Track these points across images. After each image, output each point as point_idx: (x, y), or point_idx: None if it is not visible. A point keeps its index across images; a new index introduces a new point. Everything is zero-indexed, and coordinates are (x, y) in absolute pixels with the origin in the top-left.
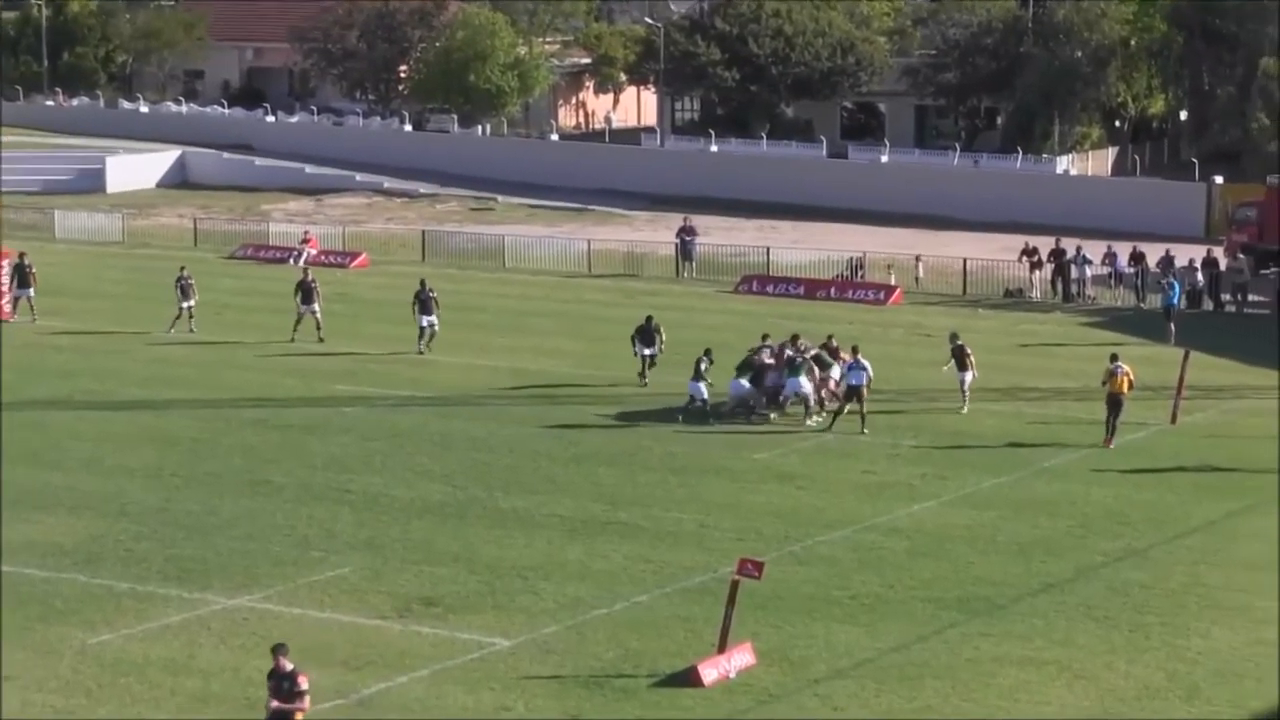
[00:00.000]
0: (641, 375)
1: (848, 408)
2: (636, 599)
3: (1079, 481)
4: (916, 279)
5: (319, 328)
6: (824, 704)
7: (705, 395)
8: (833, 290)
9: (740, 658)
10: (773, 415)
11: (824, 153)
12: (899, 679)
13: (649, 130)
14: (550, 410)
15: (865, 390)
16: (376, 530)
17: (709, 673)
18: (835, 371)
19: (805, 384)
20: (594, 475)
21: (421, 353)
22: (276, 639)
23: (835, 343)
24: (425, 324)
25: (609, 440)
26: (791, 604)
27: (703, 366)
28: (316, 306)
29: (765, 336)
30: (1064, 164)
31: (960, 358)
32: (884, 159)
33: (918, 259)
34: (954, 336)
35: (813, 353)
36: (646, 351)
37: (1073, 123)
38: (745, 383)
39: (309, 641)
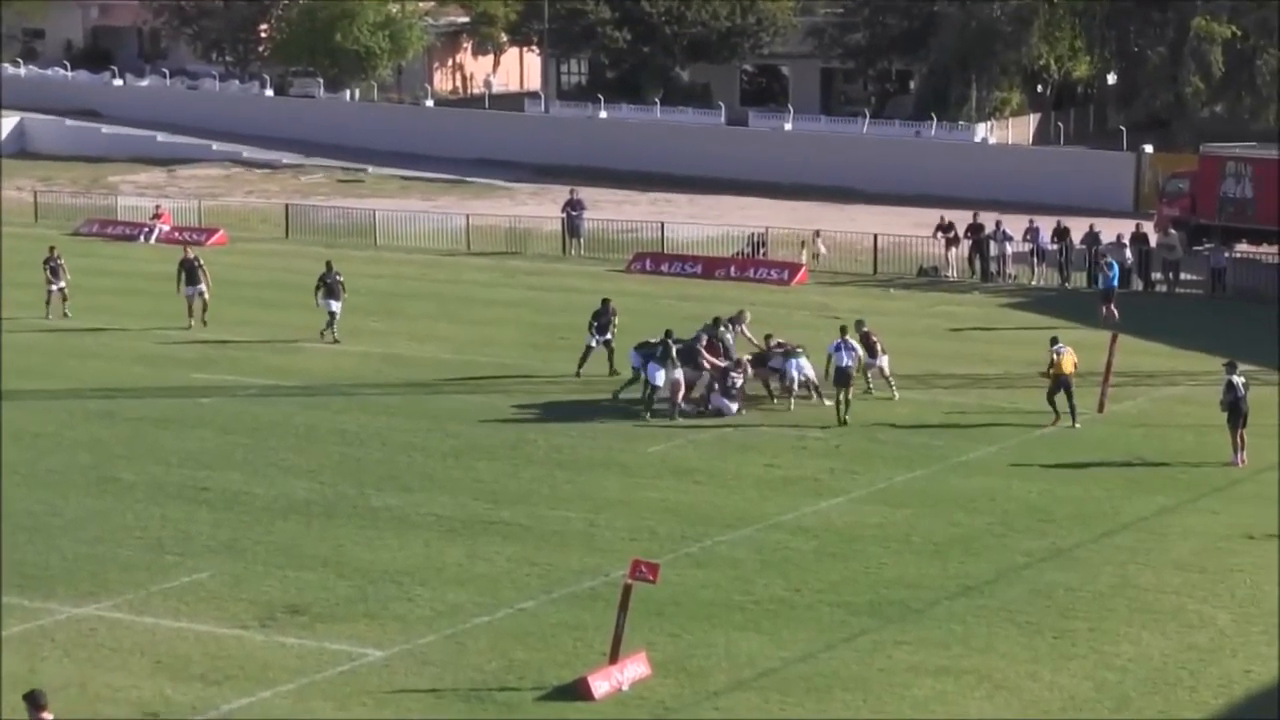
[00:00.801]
0: (580, 366)
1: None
2: (521, 605)
3: (999, 476)
4: (816, 255)
5: (204, 309)
6: (724, 718)
7: (660, 382)
8: (733, 269)
9: (634, 668)
10: (782, 402)
11: (722, 120)
12: (805, 690)
13: (532, 95)
14: (426, 400)
15: (853, 373)
16: (237, 532)
17: (600, 685)
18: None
19: (808, 366)
20: (474, 471)
21: (336, 340)
22: (128, 650)
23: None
24: (334, 309)
25: (490, 433)
26: (689, 610)
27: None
28: (204, 288)
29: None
30: (982, 132)
31: (868, 345)
32: (787, 127)
33: (816, 234)
34: (860, 324)
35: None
36: (602, 338)
37: (991, 87)
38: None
39: (163, 653)
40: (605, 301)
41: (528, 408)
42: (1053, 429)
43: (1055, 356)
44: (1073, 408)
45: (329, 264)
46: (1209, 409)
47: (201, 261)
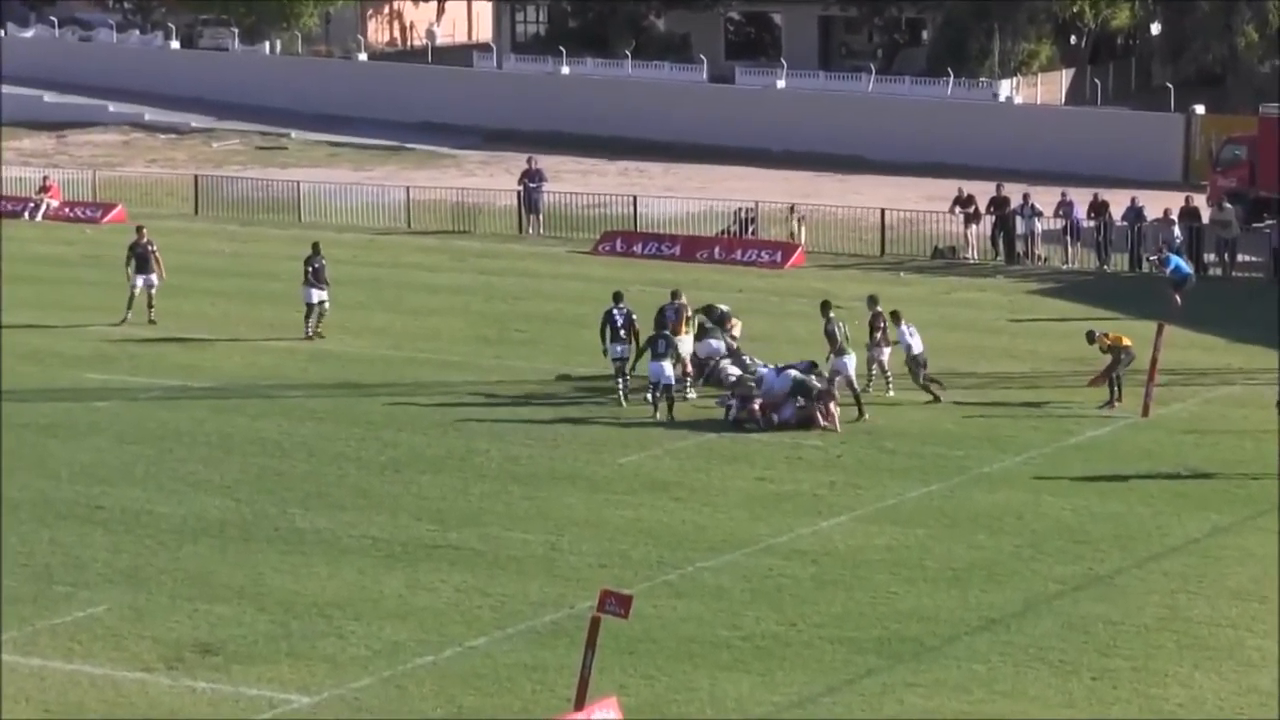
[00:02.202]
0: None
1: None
2: (471, 643)
3: (1027, 490)
4: (792, 233)
5: (150, 304)
6: None
7: (671, 378)
8: (717, 250)
9: (603, 716)
10: (824, 420)
11: (704, 76)
12: None
13: (483, 48)
14: (360, 404)
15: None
16: (138, 558)
17: None
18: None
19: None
20: (416, 486)
21: (311, 336)
22: (11, 697)
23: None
24: (315, 300)
25: (435, 441)
26: (667, 647)
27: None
28: (155, 278)
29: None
30: (1006, 90)
31: (874, 330)
32: (780, 84)
33: (792, 209)
34: (873, 300)
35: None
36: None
37: (1017, 38)
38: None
39: (53, 701)
40: (618, 296)
41: (478, 412)
42: (1111, 412)
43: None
44: (1119, 381)
45: (315, 246)
46: (1269, 411)
47: (155, 246)
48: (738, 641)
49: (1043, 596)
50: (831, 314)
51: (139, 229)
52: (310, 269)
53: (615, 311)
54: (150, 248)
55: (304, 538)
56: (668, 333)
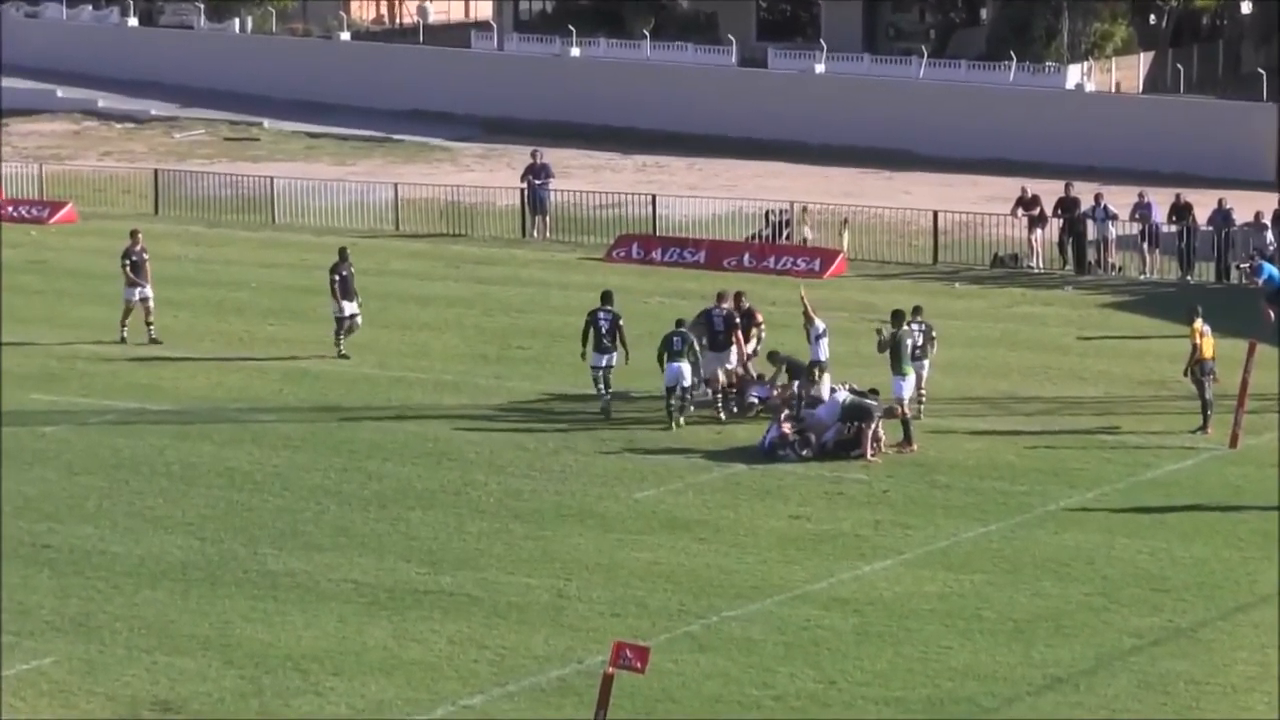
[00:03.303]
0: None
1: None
2: (466, 702)
3: (1098, 531)
4: (805, 240)
5: (149, 317)
6: None
7: (688, 381)
8: (747, 257)
9: None
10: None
11: (733, 59)
12: None
13: (481, 27)
14: (341, 430)
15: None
16: (90, 604)
17: None
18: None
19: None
20: (404, 523)
21: (345, 355)
22: None
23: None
24: (348, 313)
25: (426, 473)
26: (689, 708)
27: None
28: (150, 289)
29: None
30: (1076, 76)
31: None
32: (819, 69)
33: (805, 209)
34: (917, 312)
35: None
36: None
37: (1089, 17)
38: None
39: None
40: (738, 294)
41: (475, 440)
42: (1198, 437)
43: (1198, 336)
44: (1207, 403)
45: (343, 251)
46: None
47: (149, 255)
48: (769, 702)
49: (1116, 652)
50: (910, 323)
51: (134, 233)
52: (337, 278)
53: (600, 315)
54: (145, 255)
55: (277, 582)
56: (685, 329)
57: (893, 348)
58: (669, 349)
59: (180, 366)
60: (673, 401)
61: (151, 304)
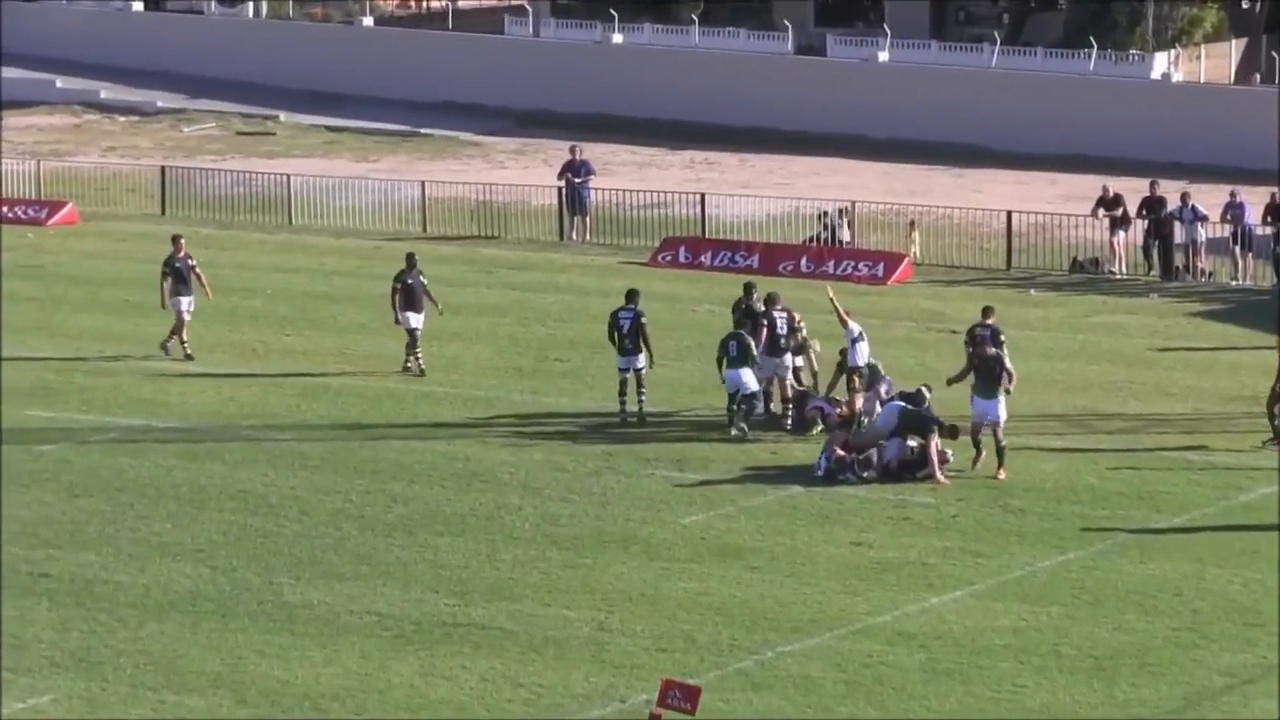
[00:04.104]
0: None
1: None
2: None
3: (1187, 559)
4: (841, 243)
5: (183, 336)
6: None
7: (753, 386)
8: (804, 261)
9: None
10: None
11: (789, 46)
12: None
13: (516, 11)
14: (364, 449)
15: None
16: (92, 637)
17: None
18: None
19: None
20: (432, 550)
21: (417, 370)
22: None
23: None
24: (413, 325)
25: (455, 496)
26: None
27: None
28: (193, 301)
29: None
30: (1162, 65)
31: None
32: (882, 57)
33: (841, 212)
34: (987, 311)
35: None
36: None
37: (1176, 2)
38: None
39: None
40: (771, 297)
41: (509, 459)
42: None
43: None
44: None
45: (410, 257)
46: None
47: (195, 261)
48: None
49: (1206, 691)
50: (977, 327)
51: (176, 240)
52: (399, 286)
53: (622, 314)
54: (190, 262)
55: (294, 614)
56: (741, 332)
57: (982, 366)
58: (725, 354)
59: (189, 380)
60: (733, 408)
61: (189, 316)
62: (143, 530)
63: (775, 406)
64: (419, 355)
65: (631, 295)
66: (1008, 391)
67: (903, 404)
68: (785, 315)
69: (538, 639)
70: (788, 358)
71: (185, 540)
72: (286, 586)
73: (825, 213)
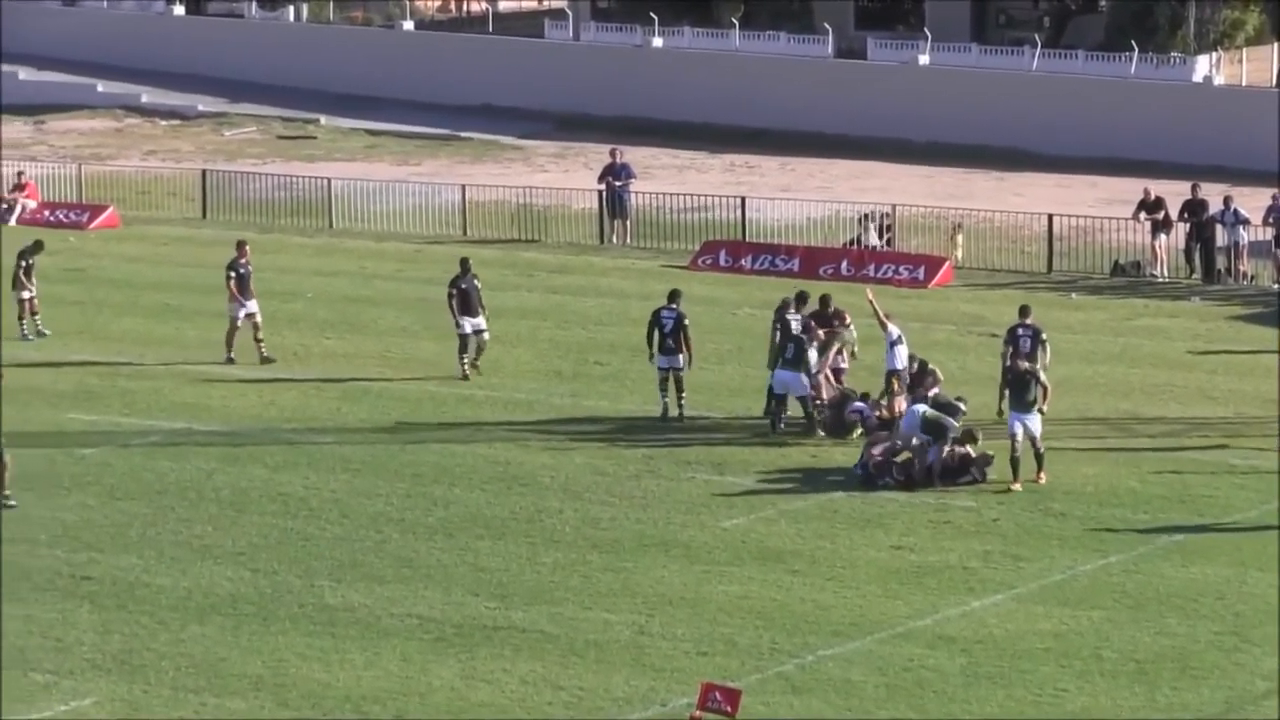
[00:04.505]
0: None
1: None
2: None
3: (1229, 563)
4: (874, 245)
5: (257, 334)
6: None
7: (806, 389)
8: (844, 264)
9: None
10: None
11: (829, 50)
12: None
13: (555, 15)
14: (404, 452)
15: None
16: (134, 639)
17: None
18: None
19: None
20: (473, 554)
21: (466, 376)
22: None
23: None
24: (470, 329)
25: (495, 499)
26: None
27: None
28: (255, 305)
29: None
30: (1204, 68)
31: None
32: (923, 60)
33: (881, 217)
34: (1024, 311)
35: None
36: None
37: (1218, 5)
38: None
39: None
40: (825, 298)
41: (549, 463)
42: None
43: None
44: None
45: (465, 262)
46: None
47: (252, 266)
48: None
49: (1248, 696)
50: (1030, 320)
51: (240, 245)
52: (454, 291)
53: (664, 314)
54: (250, 268)
55: (335, 617)
56: (803, 335)
57: (1016, 380)
58: (782, 355)
59: (230, 384)
60: (783, 411)
61: (259, 319)
62: (184, 533)
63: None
64: (475, 360)
65: (674, 296)
66: (1041, 411)
67: (924, 408)
68: (800, 318)
69: (578, 642)
70: (811, 353)
71: (226, 543)
72: (327, 589)
73: (867, 214)
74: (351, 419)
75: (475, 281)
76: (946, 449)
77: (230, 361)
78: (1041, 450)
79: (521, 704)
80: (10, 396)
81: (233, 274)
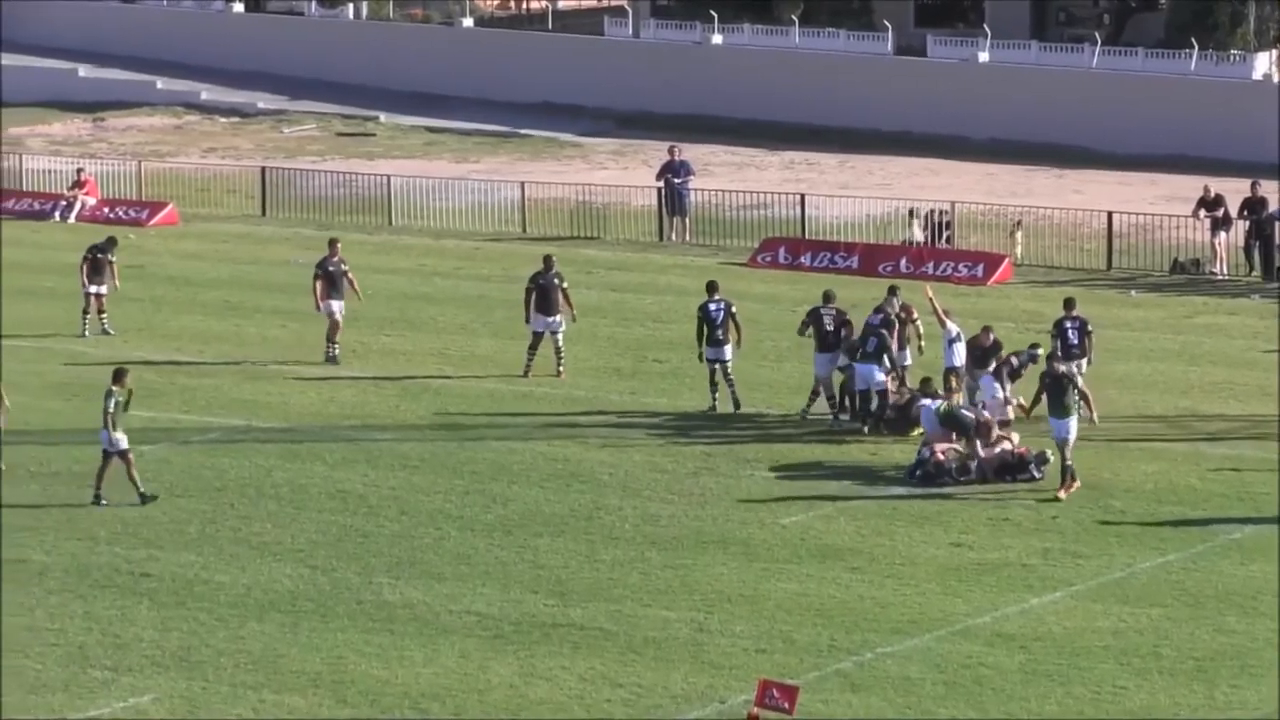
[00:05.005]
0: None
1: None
2: None
3: None
4: (908, 240)
5: (334, 339)
6: None
7: (884, 383)
8: (904, 262)
9: None
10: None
11: (889, 47)
12: None
13: (615, 12)
14: (463, 450)
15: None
16: (192, 637)
17: None
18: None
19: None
20: (531, 551)
21: (523, 371)
22: None
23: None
24: (541, 327)
25: (554, 496)
26: None
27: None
28: (343, 305)
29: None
30: (1264, 66)
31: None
32: (983, 57)
33: (911, 212)
34: (1069, 303)
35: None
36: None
37: (1277, 2)
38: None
39: None
40: (892, 289)
41: (608, 460)
42: None
43: None
44: None
45: (548, 259)
46: None
47: (348, 265)
48: None
49: None
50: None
51: (332, 243)
52: (533, 287)
53: (711, 306)
54: (344, 266)
55: (394, 614)
56: (883, 330)
57: (1053, 385)
58: (862, 349)
59: (289, 381)
60: (867, 406)
61: (341, 318)
62: (243, 530)
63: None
64: (561, 363)
65: (715, 287)
66: (1093, 422)
67: (940, 403)
68: (833, 313)
69: (637, 639)
70: (840, 355)
71: (285, 540)
72: (386, 586)
73: (912, 210)
74: (410, 416)
75: (556, 279)
76: (995, 445)
77: (333, 360)
78: (1069, 461)
79: (580, 701)
80: (69, 392)
81: (320, 272)
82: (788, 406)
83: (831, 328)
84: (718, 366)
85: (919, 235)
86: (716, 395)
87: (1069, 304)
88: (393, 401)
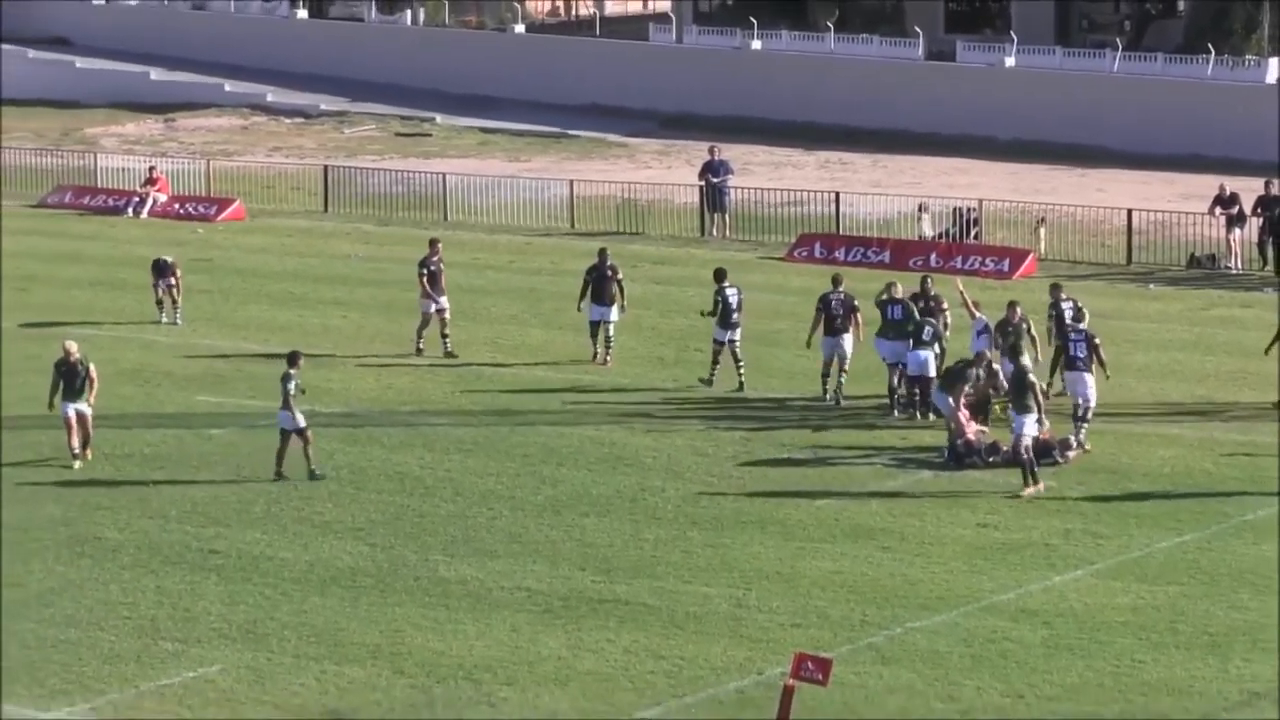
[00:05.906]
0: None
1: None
2: (642, 714)
3: None
4: (935, 236)
5: (445, 333)
6: None
7: (931, 371)
8: (933, 256)
9: None
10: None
11: (920, 52)
12: None
13: (660, 19)
14: (514, 434)
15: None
16: (258, 610)
17: None
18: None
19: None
20: (579, 530)
21: (604, 360)
22: None
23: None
24: (597, 316)
25: (601, 478)
26: None
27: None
28: (445, 301)
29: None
30: (1277, 70)
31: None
32: (1009, 62)
33: (920, 206)
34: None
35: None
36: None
37: None
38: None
39: None
40: (924, 279)
41: (652, 444)
42: None
43: None
44: None
45: (603, 251)
46: None
47: (444, 263)
48: (955, 716)
49: None
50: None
51: (433, 243)
52: (588, 278)
53: (728, 290)
54: (442, 265)
55: (449, 589)
56: (933, 320)
57: (1017, 379)
58: (916, 337)
59: (348, 368)
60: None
61: (447, 315)
62: (306, 510)
63: (831, 384)
64: (607, 352)
65: (721, 274)
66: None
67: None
68: (841, 297)
69: (679, 614)
70: (846, 339)
71: (346, 519)
72: (441, 563)
73: (921, 204)
74: (465, 402)
75: (611, 271)
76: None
77: (419, 352)
78: (1025, 457)
79: (625, 673)
80: (142, 378)
81: (424, 270)
82: (821, 394)
83: (840, 312)
84: (726, 346)
85: (928, 230)
86: (716, 371)
87: (1054, 289)
88: (448, 388)
